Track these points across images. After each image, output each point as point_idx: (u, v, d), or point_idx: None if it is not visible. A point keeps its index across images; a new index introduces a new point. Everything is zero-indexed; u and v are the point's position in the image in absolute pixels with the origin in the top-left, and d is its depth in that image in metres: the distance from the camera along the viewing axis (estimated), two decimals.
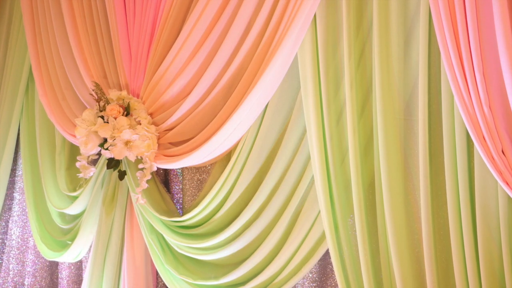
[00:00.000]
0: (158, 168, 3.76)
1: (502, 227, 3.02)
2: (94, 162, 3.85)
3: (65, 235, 4.09)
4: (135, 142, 3.60)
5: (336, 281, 3.46)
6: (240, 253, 3.62)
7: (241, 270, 3.59)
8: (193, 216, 3.67)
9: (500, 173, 2.96)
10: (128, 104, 3.66)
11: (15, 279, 4.28)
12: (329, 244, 3.35)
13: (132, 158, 3.64)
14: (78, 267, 4.18)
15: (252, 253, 3.57)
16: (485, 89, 2.96)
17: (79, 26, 3.85)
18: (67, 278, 4.17)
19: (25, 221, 4.30)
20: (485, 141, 2.97)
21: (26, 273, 4.27)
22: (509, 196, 3.00)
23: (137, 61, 3.70)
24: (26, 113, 4.24)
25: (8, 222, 4.35)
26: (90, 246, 3.96)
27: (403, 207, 3.25)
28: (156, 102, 3.65)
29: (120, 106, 3.64)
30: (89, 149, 3.66)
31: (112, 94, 3.69)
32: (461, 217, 3.10)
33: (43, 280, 4.26)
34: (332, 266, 3.49)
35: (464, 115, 2.99)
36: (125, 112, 3.65)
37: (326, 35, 3.34)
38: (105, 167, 3.78)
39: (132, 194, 3.78)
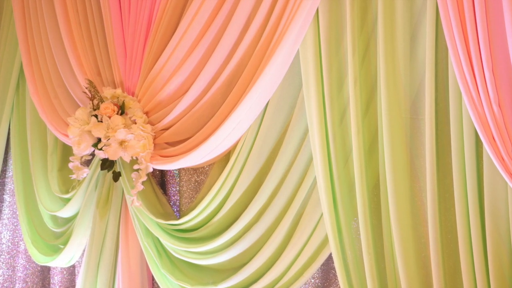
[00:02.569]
0: (154, 169, 3.76)
1: None
2: (87, 163, 3.85)
3: (57, 239, 4.08)
4: (130, 142, 3.60)
5: (339, 287, 3.46)
6: (239, 257, 3.62)
7: (240, 275, 3.59)
8: (190, 219, 3.67)
9: (510, 175, 2.95)
10: (123, 103, 3.66)
11: (5, 285, 4.28)
12: (332, 248, 3.35)
13: (127, 159, 3.64)
14: (71, 272, 4.18)
15: (252, 257, 3.57)
16: (495, 87, 2.95)
17: (72, 21, 3.85)
18: (60, 284, 4.17)
19: (15, 224, 4.30)
20: (494, 141, 2.97)
21: (16, 278, 4.27)
22: None
23: (132, 58, 3.70)
24: (17, 112, 4.24)
25: None
26: (83, 250, 3.95)
27: (409, 210, 3.25)
28: (152, 100, 3.65)
29: (115, 104, 3.64)
30: (82, 149, 3.66)
31: (106, 92, 3.69)
32: (469, 220, 3.10)
33: (35, 286, 4.26)
34: (335, 271, 3.49)
35: (472, 113, 2.99)
36: (120, 111, 3.65)
37: (329, 31, 3.33)
38: (99, 168, 3.78)
39: (127, 196, 3.78)
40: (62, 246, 4.02)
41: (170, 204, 3.87)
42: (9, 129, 4.28)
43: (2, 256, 4.30)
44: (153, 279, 3.90)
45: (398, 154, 3.23)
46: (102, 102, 3.66)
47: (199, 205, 3.63)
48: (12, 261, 4.29)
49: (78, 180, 3.85)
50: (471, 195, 3.08)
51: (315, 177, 3.41)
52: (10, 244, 4.30)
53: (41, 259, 4.10)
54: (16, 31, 4.11)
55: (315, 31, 3.35)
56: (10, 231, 4.31)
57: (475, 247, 3.07)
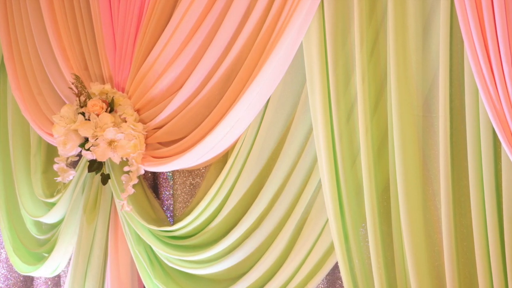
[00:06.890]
0: (146, 171, 3.76)
1: None
2: (74, 165, 3.85)
3: (41, 246, 4.08)
4: (120, 142, 3.60)
5: None
6: (238, 267, 3.63)
7: (239, 286, 3.60)
8: (185, 225, 3.67)
9: None
10: (112, 99, 3.66)
11: None
12: (338, 256, 3.36)
13: (117, 160, 3.64)
14: (56, 282, 4.18)
15: (252, 267, 3.58)
16: None
17: (57, 11, 3.85)
18: None
19: None
20: None
21: None
22: None
23: (122, 51, 3.70)
24: None
25: None
26: (70, 259, 3.95)
27: (422, 215, 3.25)
28: (143, 97, 3.65)
29: (103, 101, 3.64)
30: (68, 149, 3.66)
31: (94, 88, 3.69)
32: (486, 226, 3.10)
33: None
34: (341, 281, 3.50)
35: (490, 111, 2.99)
36: (109, 108, 3.65)
37: (335, 22, 3.33)
38: (86, 170, 3.77)
39: (116, 200, 3.78)
40: (46, 255, 4.02)
41: (163, 209, 3.87)
42: None
43: None
44: None
45: (410, 155, 3.23)
46: (89, 99, 3.66)
47: (195, 210, 3.63)
48: None
49: (64, 183, 3.85)
50: (489, 199, 3.08)
51: (320, 179, 3.42)
52: None
53: (24, 269, 4.10)
54: None
55: (320, 22, 3.35)
56: None
57: (493, 255, 3.08)
